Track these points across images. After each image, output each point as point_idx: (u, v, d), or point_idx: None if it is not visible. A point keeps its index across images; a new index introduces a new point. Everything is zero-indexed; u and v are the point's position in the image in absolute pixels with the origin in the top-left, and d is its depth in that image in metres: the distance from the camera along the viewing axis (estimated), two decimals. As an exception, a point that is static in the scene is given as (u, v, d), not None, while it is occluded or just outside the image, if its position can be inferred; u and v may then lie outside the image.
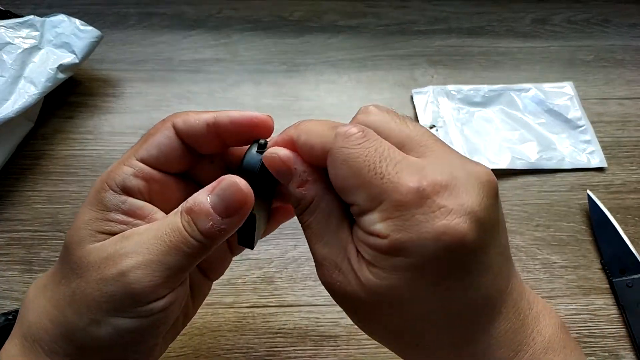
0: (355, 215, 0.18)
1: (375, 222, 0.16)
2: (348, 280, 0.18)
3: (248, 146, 0.20)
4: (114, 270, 0.18)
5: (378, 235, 0.16)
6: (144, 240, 0.18)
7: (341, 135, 0.17)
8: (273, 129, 0.21)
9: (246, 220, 0.19)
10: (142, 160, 0.20)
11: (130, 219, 0.19)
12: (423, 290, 0.16)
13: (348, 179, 0.17)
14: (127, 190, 0.20)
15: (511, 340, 0.18)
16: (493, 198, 0.17)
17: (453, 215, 0.15)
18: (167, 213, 0.20)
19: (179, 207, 0.19)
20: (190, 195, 0.19)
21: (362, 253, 0.17)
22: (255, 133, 0.20)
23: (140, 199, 0.20)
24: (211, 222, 0.18)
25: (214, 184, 0.19)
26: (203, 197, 0.19)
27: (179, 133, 0.20)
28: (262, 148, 0.20)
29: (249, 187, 0.18)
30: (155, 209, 0.20)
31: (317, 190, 0.18)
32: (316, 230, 0.19)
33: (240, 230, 0.20)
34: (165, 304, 0.19)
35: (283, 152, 0.19)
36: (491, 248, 0.17)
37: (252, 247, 0.22)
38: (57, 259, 0.34)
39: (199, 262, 0.19)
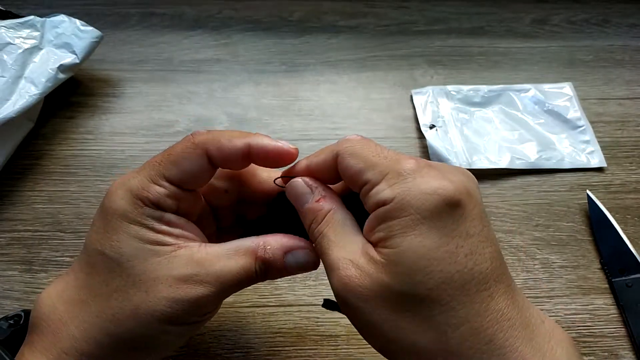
0: (365, 195, 0.20)
1: (383, 190, 0.19)
2: (365, 270, 0.19)
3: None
4: (189, 296, 0.20)
5: (385, 203, 0.19)
6: (217, 274, 0.20)
7: (344, 139, 0.22)
8: (296, 159, 0.23)
9: None
10: (173, 183, 0.21)
11: (172, 230, 0.21)
12: (432, 244, 0.18)
13: (358, 164, 0.20)
14: (160, 208, 0.21)
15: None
16: (476, 186, 0.20)
17: (445, 181, 0.19)
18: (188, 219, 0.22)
19: (252, 251, 0.21)
20: (204, 206, 0.24)
21: (376, 235, 0.19)
22: (281, 162, 0.23)
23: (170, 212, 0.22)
24: (279, 275, 0.22)
25: (291, 243, 0.22)
26: (280, 253, 0.21)
27: (212, 159, 0.21)
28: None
29: (314, 261, 0.22)
30: (185, 220, 0.22)
31: (332, 204, 0.21)
32: (332, 238, 0.20)
33: None
34: (211, 316, 0.23)
35: (303, 177, 0.22)
36: (478, 221, 0.19)
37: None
38: (57, 259, 0.35)
39: None
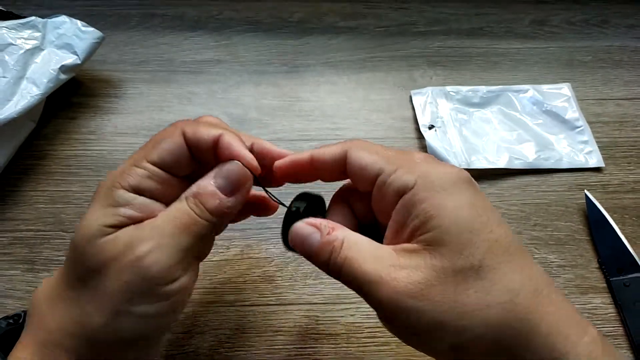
0: (382, 185, 0.20)
1: (402, 175, 0.20)
2: (411, 265, 0.19)
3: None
4: (131, 257, 0.19)
5: (407, 186, 0.19)
6: (156, 226, 0.20)
7: (351, 140, 0.22)
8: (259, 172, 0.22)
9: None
10: (155, 164, 0.21)
11: (139, 214, 0.20)
12: (468, 217, 0.19)
13: (371, 156, 0.21)
14: (139, 191, 0.20)
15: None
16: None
17: (451, 166, 0.20)
18: None
19: (182, 195, 0.21)
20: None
21: (411, 226, 0.19)
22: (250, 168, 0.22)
23: (149, 198, 0.21)
24: (218, 201, 0.21)
25: (215, 170, 0.21)
26: (207, 182, 0.21)
27: (188, 142, 0.21)
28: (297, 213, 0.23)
29: (245, 169, 0.21)
30: (163, 206, 0.21)
31: (343, 230, 0.21)
32: (359, 256, 0.19)
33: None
34: (181, 285, 0.20)
35: (308, 222, 0.21)
36: (487, 200, 0.20)
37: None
38: (59, 258, 0.35)
39: (211, 243, 0.21)
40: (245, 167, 0.21)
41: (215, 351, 0.31)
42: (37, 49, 0.40)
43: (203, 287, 0.34)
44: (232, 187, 0.21)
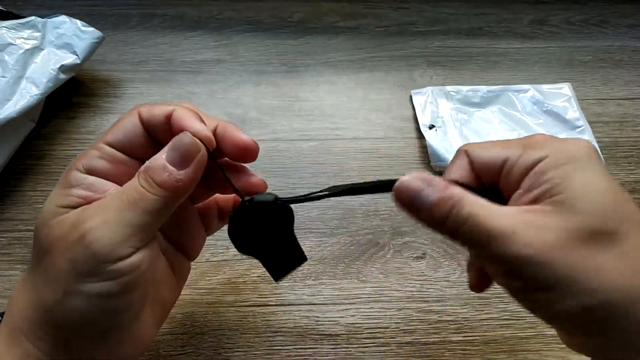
0: (512, 167, 0.20)
1: (533, 153, 0.20)
2: (545, 224, 0.18)
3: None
4: (75, 235, 0.18)
5: (541, 159, 0.19)
6: (103, 204, 0.19)
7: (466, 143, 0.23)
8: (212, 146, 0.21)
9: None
10: (109, 144, 0.21)
11: (91, 194, 0.20)
12: (605, 184, 0.19)
13: (494, 147, 0.22)
14: (92, 172, 0.20)
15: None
16: None
17: (584, 141, 0.20)
18: None
19: (136, 170, 0.20)
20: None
21: (541, 188, 0.19)
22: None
23: (103, 179, 0.21)
24: (167, 174, 0.19)
25: (168, 144, 0.20)
26: (159, 156, 0.20)
27: (142, 122, 0.21)
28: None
29: (196, 139, 0.20)
30: (115, 185, 0.21)
31: (460, 188, 0.20)
32: (484, 213, 0.19)
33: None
34: (133, 264, 0.19)
35: (418, 176, 0.20)
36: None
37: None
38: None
39: (163, 219, 0.20)
40: (198, 139, 0.20)
41: (215, 352, 0.31)
42: (36, 49, 0.40)
43: (202, 288, 0.34)
44: (182, 159, 0.20)
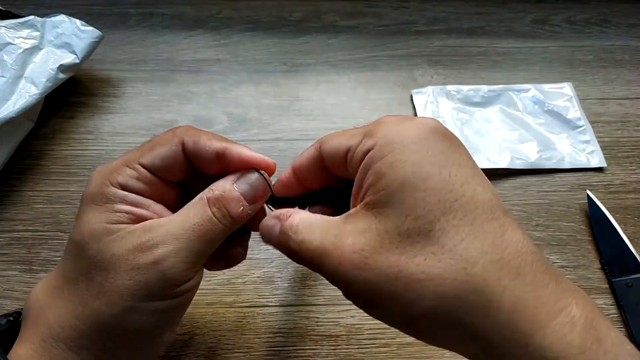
0: (350, 161, 0.19)
1: (366, 142, 0.18)
2: (355, 227, 0.17)
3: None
4: (147, 260, 0.19)
5: (369, 150, 0.18)
6: (172, 231, 0.20)
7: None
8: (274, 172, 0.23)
9: None
10: (145, 167, 0.21)
11: (134, 209, 0.20)
12: (424, 174, 0.17)
13: (337, 140, 0.20)
14: (127, 189, 0.21)
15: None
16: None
17: (427, 118, 0.19)
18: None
19: (201, 198, 0.20)
20: (183, 196, 0.22)
21: (364, 186, 0.18)
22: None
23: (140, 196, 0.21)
24: (242, 208, 0.21)
25: (237, 174, 0.21)
26: (230, 186, 0.21)
27: (186, 152, 0.21)
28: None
29: (265, 181, 0.22)
30: (152, 201, 0.21)
31: (300, 214, 0.20)
32: (309, 237, 0.18)
33: None
34: (193, 284, 0.21)
35: (273, 214, 0.21)
36: (467, 156, 0.18)
37: None
38: (57, 258, 0.35)
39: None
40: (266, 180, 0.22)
41: (215, 352, 0.31)
42: (35, 48, 0.40)
43: (202, 288, 0.33)
44: (254, 196, 0.21)
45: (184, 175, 0.22)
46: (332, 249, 0.17)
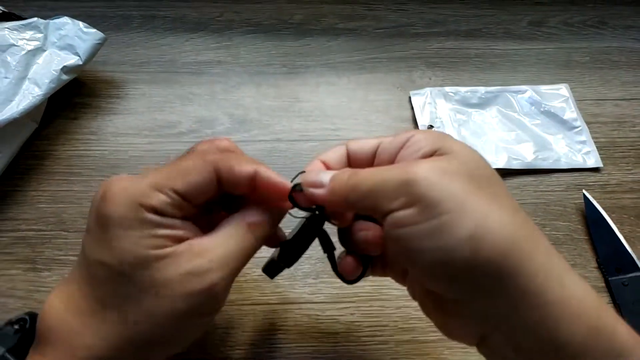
0: (386, 146, 0.24)
1: (404, 134, 0.23)
2: (433, 163, 0.20)
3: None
4: (202, 286, 0.20)
5: (412, 135, 0.23)
6: (221, 255, 0.21)
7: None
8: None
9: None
10: (179, 194, 0.21)
11: (172, 232, 0.21)
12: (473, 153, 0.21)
13: (371, 138, 0.25)
14: (161, 214, 0.21)
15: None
16: None
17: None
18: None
19: (243, 224, 0.23)
20: (202, 210, 0.23)
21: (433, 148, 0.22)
22: (275, 196, 0.23)
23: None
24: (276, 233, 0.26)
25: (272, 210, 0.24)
26: (264, 211, 0.23)
27: (221, 179, 0.22)
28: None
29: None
30: (185, 222, 0.22)
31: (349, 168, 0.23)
32: (370, 173, 0.21)
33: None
34: (227, 295, 0.23)
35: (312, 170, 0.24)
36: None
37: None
38: (60, 258, 0.35)
39: None
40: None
41: (217, 350, 0.31)
42: (39, 50, 0.40)
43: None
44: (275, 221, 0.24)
45: (212, 198, 0.23)
46: (430, 170, 0.20)
